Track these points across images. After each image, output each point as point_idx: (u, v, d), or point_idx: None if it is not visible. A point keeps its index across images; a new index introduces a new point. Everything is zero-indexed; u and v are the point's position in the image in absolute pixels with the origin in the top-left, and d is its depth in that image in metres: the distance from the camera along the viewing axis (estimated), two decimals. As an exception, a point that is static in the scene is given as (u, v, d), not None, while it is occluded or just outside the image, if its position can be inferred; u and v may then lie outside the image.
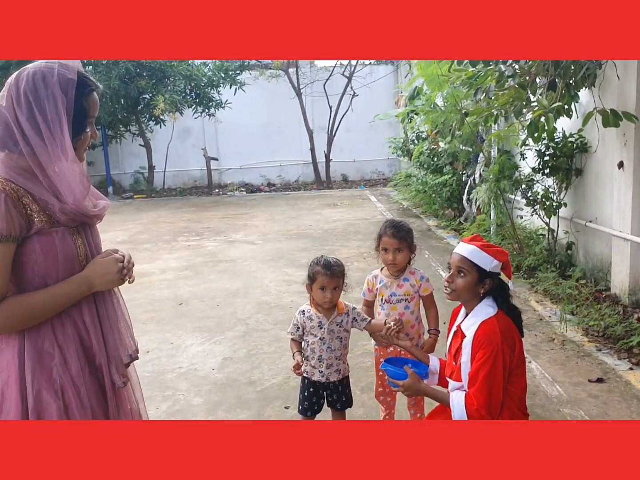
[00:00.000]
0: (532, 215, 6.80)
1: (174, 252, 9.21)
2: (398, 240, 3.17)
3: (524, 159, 6.70)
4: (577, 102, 5.34)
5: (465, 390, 2.51)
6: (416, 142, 10.98)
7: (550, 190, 6.59)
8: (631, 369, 4.30)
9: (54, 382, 1.82)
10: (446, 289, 2.60)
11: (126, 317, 2.09)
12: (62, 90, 1.78)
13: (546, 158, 6.44)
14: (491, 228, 8.22)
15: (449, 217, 10.22)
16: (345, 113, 17.02)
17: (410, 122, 10.15)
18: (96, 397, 1.93)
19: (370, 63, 18.04)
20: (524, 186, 6.73)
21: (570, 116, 5.48)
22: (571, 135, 6.38)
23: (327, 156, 17.45)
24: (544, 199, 6.58)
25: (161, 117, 15.28)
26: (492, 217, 8.15)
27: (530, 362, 4.54)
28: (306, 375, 3.18)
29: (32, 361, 1.80)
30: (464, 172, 9.61)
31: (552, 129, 4.96)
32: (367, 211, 12.69)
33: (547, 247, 6.68)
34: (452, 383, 2.62)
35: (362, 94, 17.24)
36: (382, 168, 19.27)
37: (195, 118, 16.49)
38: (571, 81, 5.12)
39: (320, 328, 3.11)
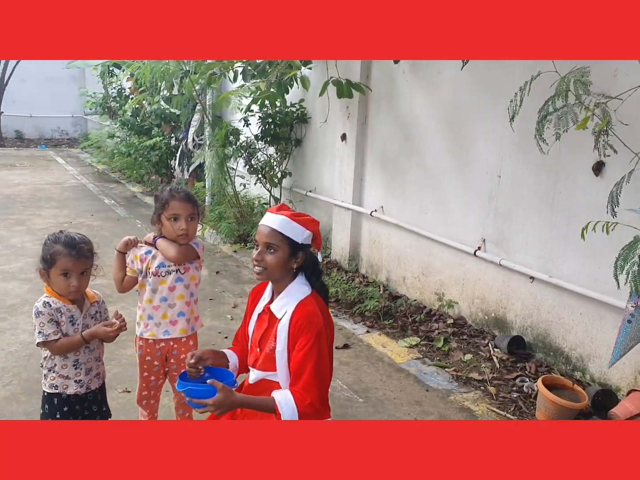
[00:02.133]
0: (255, 183, 6.71)
1: None
2: (192, 204, 2.65)
3: (247, 126, 6.54)
4: (310, 69, 5.34)
5: (283, 386, 2.17)
6: (118, 99, 9.94)
7: (273, 159, 6.58)
8: (368, 331, 4.52)
9: None
10: (255, 269, 2.19)
11: None
12: None
13: (270, 126, 6.38)
14: (207, 196, 7.93)
15: (157, 183, 9.58)
16: (19, 61, 14.56)
17: (112, 76, 9.10)
18: None
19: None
20: (246, 153, 6.58)
21: (291, 86, 5.47)
22: (292, 105, 6.44)
23: (-4, 108, 14.77)
24: (266, 167, 6.54)
25: None
26: (207, 184, 7.86)
27: (277, 335, 4.43)
28: (55, 392, 2.43)
29: None
30: (172, 135, 9.08)
31: (282, 99, 4.87)
32: (57, 175, 11.12)
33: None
34: (256, 372, 2.25)
35: (41, 39, 14.92)
36: (65, 127, 17.21)
37: None
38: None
39: (73, 324, 2.41)
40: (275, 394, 2.10)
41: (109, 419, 2.62)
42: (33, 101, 16.12)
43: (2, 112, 14.99)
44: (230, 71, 5.79)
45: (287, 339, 2.11)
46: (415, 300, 5.03)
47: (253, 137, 6.56)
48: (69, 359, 2.42)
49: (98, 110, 10.14)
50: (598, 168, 3.56)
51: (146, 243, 2.74)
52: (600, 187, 3.56)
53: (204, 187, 7.75)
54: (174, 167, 9.34)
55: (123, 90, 9.88)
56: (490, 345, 4.24)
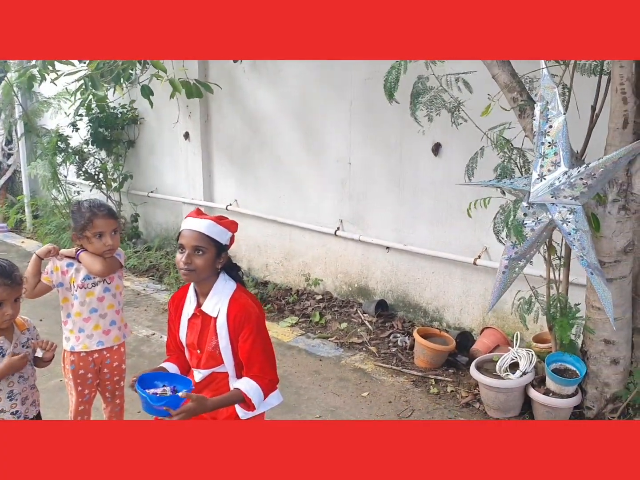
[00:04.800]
0: (91, 190, 6.44)
1: None
2: (115, 219, 2.67)
3: (76, 131, 6.23)
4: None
5: (231, 374, 2.38)
6: None
7: (107, 163, 6.40)
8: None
9: None
10: (183, 271, 2.35)
11: None
12: None
13: (99, 129, 6.19)
14: (26, 209, 7.38)
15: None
16: None
17: None
18: None
19: None
20: (78, 159, 6.29)
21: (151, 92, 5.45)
22: (123, 107, 6.31)
23: None
24: (101, 172, 6.35)
25: None
26: (27, 197, 7.32)
27: (162, 337, 4.48)
28: None
29: None
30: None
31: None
32: None
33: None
34: (202, 372, 2.42)
35: None
36: None
37: None
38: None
39: (3, 356, 2.32)
40: (239, 385, 2.28)
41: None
42: None
43: None
44: (52, 73, 5.51)
45: (228, 333, 2.30)
46: (282, 284, 5.38)
47: (83, 142, 6.30)
48: (2, 392, 2.33)
49: None
50: (436, 149, 4.24)
51: (66, 256, 2.70)
52: (439, 165, 4.25)
53: (24, 200, 7.20)
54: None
55: None
56: (359, 312, 4.77)
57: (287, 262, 5.38)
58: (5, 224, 7.44)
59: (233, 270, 2.44)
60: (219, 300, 2.31)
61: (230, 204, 5.64)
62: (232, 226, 2.39)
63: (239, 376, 2.37)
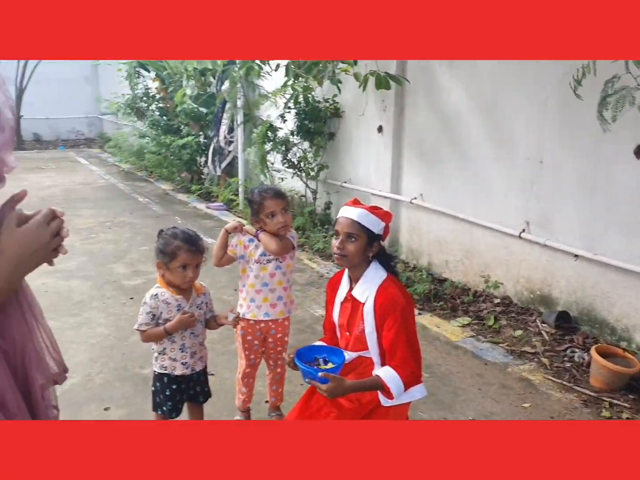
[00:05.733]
0: (292, 177, 6.99)
1: None
2: (282, 199, 2.95)
3: (284, 122, 6.81)
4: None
5: (375, 360, 2.45)
6: (146, 99, 10.21)
7: (308, 152, 6.86)
8: (420, 313, 4.82)
9: None
10: (336, 255, 2.47)
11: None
12: None
13: (305, 122, 6.66)
14: (239, 189, 8.23)
15: (186, 180, 9.86)
16: (37, 64, 14.80)
17: (138, 77, 9.38)
18: None
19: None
20: (283, 149, 6.86)
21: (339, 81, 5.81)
22: (326, 100, 6.70)
23: (17, 113, 15.01)
24: (302, 161, 6.83)
25: None
26: (241, 179, 8.17)
27: (335, 319, 4.72)
28: (164, 372, 2.74)
29: None
30: (201, 133, 9.35)
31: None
32: (84, 175, 11.41)
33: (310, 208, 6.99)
34: (349, 354, 2.54)
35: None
36: (81, 127, 17.44)
37: None
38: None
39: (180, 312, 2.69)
40: (379, 373, 2.35)
41: (209, 398, 2.93)
42: (48, 103, 16.22)
43: (22, 116, 15.22)
44: (267, 65, 6.09)
45: (374, 320, 2.37)
46: (460, 282, 5.31)
47: (289, 133, 6.84)
48: (177, 343, 2.71)
49: (126, 111, 10.40)
50: (639, 152, 3.82)
51: (249, 233, 3.03)
52: (641, 170, 3.83)
53: (238, 182, 8.06)
54: (203, 164, 9.63)
55: (150, 91, 10.14)
56: (537, 321, 4.52)
57: (467, 260, 5.29)
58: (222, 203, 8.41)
59: (387, 260, 2.52)
60: (368, 287, 2.41)
61: (415, 198, 5.69)
62: (385, 217, 2.47)
63: (382, 364, 2.46)
